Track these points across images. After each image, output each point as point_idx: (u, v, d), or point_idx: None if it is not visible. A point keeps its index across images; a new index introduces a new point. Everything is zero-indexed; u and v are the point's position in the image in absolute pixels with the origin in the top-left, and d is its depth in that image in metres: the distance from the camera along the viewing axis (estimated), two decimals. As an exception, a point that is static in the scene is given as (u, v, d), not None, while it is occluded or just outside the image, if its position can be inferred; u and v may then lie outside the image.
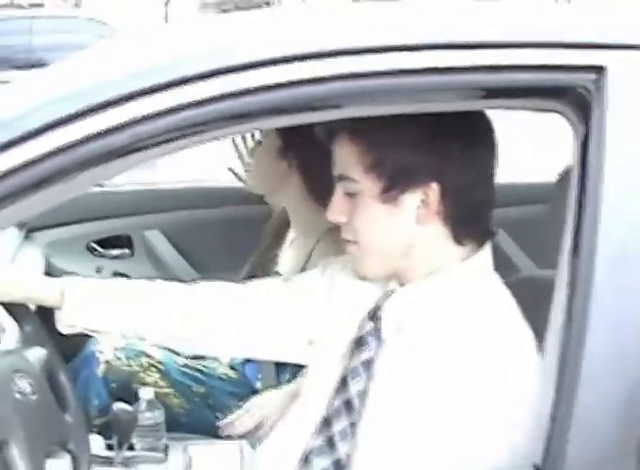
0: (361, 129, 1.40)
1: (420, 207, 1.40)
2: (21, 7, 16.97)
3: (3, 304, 1.74)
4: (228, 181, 2.91)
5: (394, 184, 1.39)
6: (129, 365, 2.40)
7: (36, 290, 1.72)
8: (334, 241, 2.09)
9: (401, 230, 1.42)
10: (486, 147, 1.44)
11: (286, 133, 2.32)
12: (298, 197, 2.37)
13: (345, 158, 1.44)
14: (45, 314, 1.78)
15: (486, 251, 1.46)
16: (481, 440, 1.30)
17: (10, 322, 1.78)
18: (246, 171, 2.46)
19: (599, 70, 1.18)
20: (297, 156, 2.35)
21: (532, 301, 1.39)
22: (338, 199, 1.47)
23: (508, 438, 1.28)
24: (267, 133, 2.37)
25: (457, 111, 1.32)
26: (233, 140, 2.87)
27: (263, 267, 2.49)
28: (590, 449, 1.15)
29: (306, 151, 2.33)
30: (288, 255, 2.46)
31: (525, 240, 3.01)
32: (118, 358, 2.39)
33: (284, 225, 2.51)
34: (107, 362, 2.38)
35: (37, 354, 1.63)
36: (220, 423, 2.23)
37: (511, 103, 1.28)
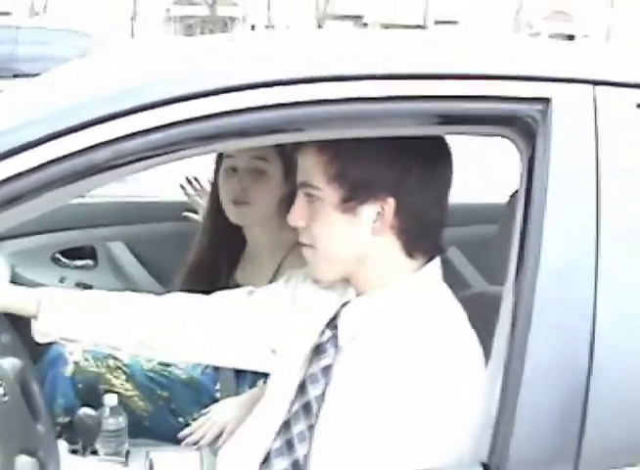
0: (328, 143, 1.47)
1: (376, 219, 1.48)
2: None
3: None
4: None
5: (354, 195, 1.47)
6: (97, 367, 2.42)
7: (13, 299, 1.78)
8: (301, 256, 2.17)
9: (356, 239, 1.50)
10: (443, 169, 1.53)
11: (286, 155, 2.33)
12: (268, 214, 2.40)
13: (310, 166, 1.51)
14: (19, 324, 1.83)
15: (435, 264, 1.55)
16: (431, 441, 1.38)
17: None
18: (237, 206, 2.38)
19: (545, 101, 1.28)
20: (294, 173, 2.37)
21: (483, 315, 1.47)
22: (299, 204, 1.54)
23: (456, 438, 1.35)
24: (265, 162, 2.36)
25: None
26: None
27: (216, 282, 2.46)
28: (532, 448, 1.24)
29: (294, 165, 2.39)
30: (249, 270, 2.48)
31: (477, 258, 3.10)
32: (86, 360, 2.41)
33: (234, 240, 2.52)
34: (75, 363, 2.40)
35: (11, 364, 1.67)
36: (181, 434, 2.27)
37: (464, 129, 1.38)
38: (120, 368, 2.44)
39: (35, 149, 1.18)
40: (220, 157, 2.43)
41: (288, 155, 2.35)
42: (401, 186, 1.47)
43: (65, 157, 1.18)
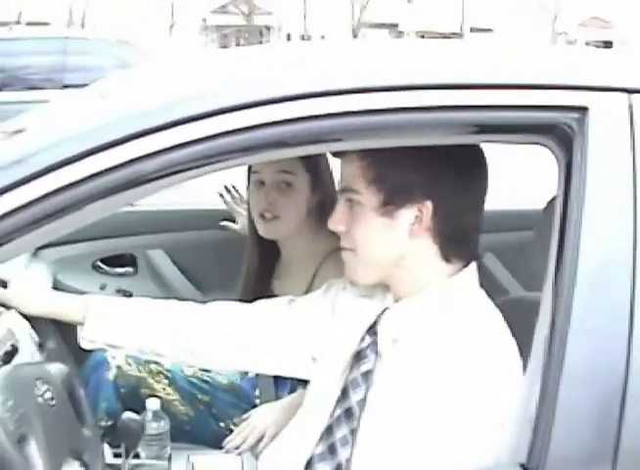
0: (369, 149, 1.50)
1: (413, 222, 1.52)
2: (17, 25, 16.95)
3: (28, 319, 1.83)
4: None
5: (392, 199, 1.51)
6: (139, 371, 2.45)
7: (60, 306, 1.84)
8: (336, 263, 2.19)
9: (395, 242, 1.54)
10: (479, 175, 1.57)
11: (312, 166, 2.36)
12: (298, 226, 2.41)
13: (351, 171, 1.55)
14: (64, 329, 1.87)
15: (472, 268, 1.58)
16: (471, 442, 1.40)
17: (32, 337, 1.87)
18: (266, 220, 2.39)
19: (582, 110, 1.30)
20: (320, 183, 2.40)
21: (520, 320, 1.49)
22: (340, 209, 1.58)
23: (495, 439, 1.37)
24: (291, 175, 2.36)
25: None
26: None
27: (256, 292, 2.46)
28: (571, 449, 1.26)
29: (320, 173, 2.41)
30: (285, 279, 2.50)
31: (514, 264, 3.11)
32: (129, 364, 2.44)
33: (269, 251, 2.53)
34: (118, 367, 2.44)
35: (58, 369, 1.70)
36: (224, 443, 2.30)
37: (502, 138, 1.40)
38: (162, 373, 2.47)
39: (82, 161, 1.21)
40: (250, 170, 2.45)
41: (314, 165, 2.38)
42: (438, 191, 1.51)
43: (111, 168, 1.21)
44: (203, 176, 1.27)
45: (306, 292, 2.27)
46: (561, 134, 1.31)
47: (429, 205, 1.50)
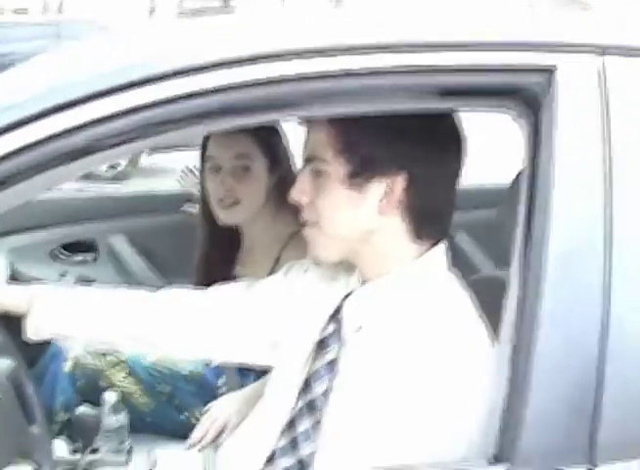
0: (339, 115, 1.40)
1: (382, 198, 1.41)
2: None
3: None
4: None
5: (362, 171, 1.41)
6: (97, 363, 2.40)
7: (5, 297, 1.75)
8: (299, 247, 2.11)
9: (361, 217, 1.43)
10: (455, 150, 1.47)
11: (269, 148, 2.33)
12: (258, 210, 2.37)
13: (319, 139, 1.45)
14: (10, 324, 1.78)
15: (441, 248, 1.48)
16: (438, 432, 1.31)
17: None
18: (225, 207, 2.34)
19: (549, 71, 1.21)
20: (279, 165, 2.36)
21: (492, 299, 1.42)
22: (303, 178, 1.48)
23: (465, 429, 1.30)
24: (248, 160, 2.32)
25: (426, 111, 1.35)
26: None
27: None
28: (544, 438, 1.18)
29: (278, 154, 2.37)
30: (248, 265, 2.45)
31: (485, 242, 3.06)
32: (86, 356, 2.39)
33: (228, 237, 2.47)
34: (74, 359, 2.38)
35: (3, 365, 1.63)
36: (188, 443, 2.22)
37: (464, 103, 1.31)
38: (121, 364, 2.41)
39: (24, 128, 1.13)
40: (203, 156, 2.40)
41: (271, 148, 2.34)
42: (411, 165, 1.41)
43: (52, 137, 1.13)
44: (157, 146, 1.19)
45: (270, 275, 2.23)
46: (527, 98, 1.23)
47: (400, 180, 1.41)
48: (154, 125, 1.17)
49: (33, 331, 1.75)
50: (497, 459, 1.18)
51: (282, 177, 2.34)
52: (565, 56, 1.23)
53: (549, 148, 1.19)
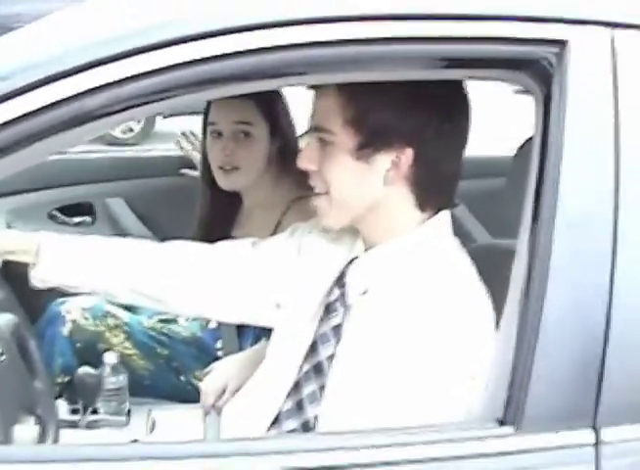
0: (349, 84, 1.40)
1: (390, 168, 1.42)
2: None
3: None
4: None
5: (370, 142, 1.41)
6: (95, 325, 2.40)
7: (11, 244, 1.72)
8: (299, 213, 2.11)
9: (368, 187, 1.44)
10: (462, 120, 1.48)
11: (271, 113, 2.33)
12: (259, 175, 2.37)
13: (326, 108, 1.45)
14: (12, 279, 1.78)
15: (445, 215, 1.50)
16: (442, 395, 1.34)
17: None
18: (225, 172, 2.35)
19: (561, 43, 1.21)
20: (280, 131, 2.37)
21: (489, 268, 1.44)
22: (310, 147, 1.48)
23: (469, 393, 1.32)
24: (249, 125, 2.33)
25: (438, 80, 1.35)
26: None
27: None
28: (550, 403, 1.20)
29: (279, 120, 2.37)
30: (247, 228, 2.44)
31: (481, 212, 3.06)
32: (85, 318, 2.39)
33: (228, 201, 2.48)
34: (73, 322, 2.39)
35: (7, 320, 1.64)
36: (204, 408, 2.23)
37: (474, 73, 1.32)
38: (120, 327, 2.42)
39: (26, 95, 1.12)
40: (205, 121, 2.40)
41: (273, 114, 2.34)
42: (419, 136, 1.42)
43: (56, 103, 1.12)
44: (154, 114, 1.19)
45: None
46: (538, 69, 1.22)
47: (408, 152, 1.41)
48: (162, 91, 1.17)
49: (40, 278, 1.72)
50: (502, 423, 1.20)
51: (284, 143, 2.35)
52: (576, 29, 1.23)
53: (560, 119, 1.19)
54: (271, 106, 2.34)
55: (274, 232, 2.24)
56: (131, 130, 8.77)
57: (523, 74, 1.25)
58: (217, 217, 2.49)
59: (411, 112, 1.41)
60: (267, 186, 2.38)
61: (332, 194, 1.47)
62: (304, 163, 1.49)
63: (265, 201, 2.40)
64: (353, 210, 1.48)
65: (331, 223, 1.53)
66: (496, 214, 2.61)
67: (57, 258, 1.72)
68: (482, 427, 1.21)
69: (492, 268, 1.42)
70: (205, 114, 2.39)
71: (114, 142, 8.47)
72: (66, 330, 2.38)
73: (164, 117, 8.50)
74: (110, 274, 1.76)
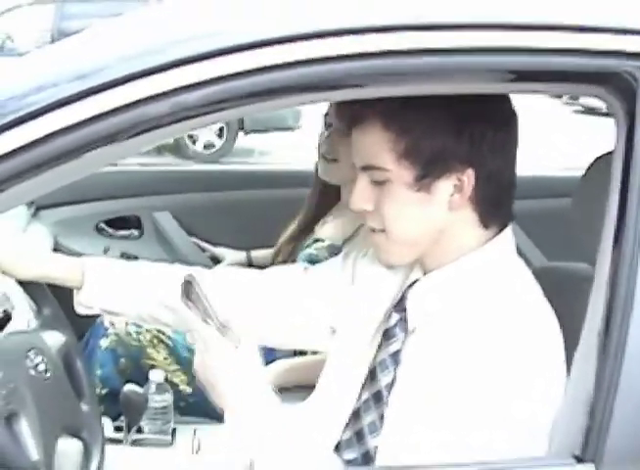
0: (394, 115, 1.34)
1: (453, 193, 1.36)
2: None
3: (22, 284, 1.71)
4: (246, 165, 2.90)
5: (429, 171, 1.35)
6: (138, 340, 2.39)
7: (57, 268, 1.69)
8: None
9: (433, 217, 1.38)
10: (513, 129, 1.41)
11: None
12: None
13: (374, 145, 1.38)
14: (60, 297, 1.74)
15: (508, 232, 1.43)
16: (512, 428, 1.25)
17: (28, 303, 1.75)
18: (326, 162, 2.37)
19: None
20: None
21: (551, 290, 1.37)
22: (362, 187, 1.41)
23: (542, 427, 1.25)
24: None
25: (486, 94, 1.30)
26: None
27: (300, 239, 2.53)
28: (632, 439, 1.13)
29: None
30: (330, 224, 2.47)
31: (536, 233, 2.99)
32: (128, 333, 2.38)
33: (326, 199, 2.53)
34: (116, 335, 2.38)
35: (55, 338, 1.60)
36: None
37: (554, 87, 1.26)
38: (163, 342, 2.40)
39: (81, 102, 1.08)
40: (327, 113, 2.43)
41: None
42: (477, 153, 1.35)
43: (113, 110, 1.08)
44: (215, 123, 1.14)
45: (347, 240, 2.30)
46: (621, 83, 1.16)
47: (469, 172, 1.35)
48: (224, 101, 1.13)
49: (85, 305, 1.71)
50: (580, 459, 1.13)
51: None
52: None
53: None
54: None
55: (355, 231, 2.29)
56: (213, 146, 8.80)
57: (603, 89, 1.18)
58: (318, 206, 2.56)
59: (464, 130, 1.34)
60: None
61: (392, 231, 1.40)
62: (359, 204, 1.42)
63: None
64: (417, 244, 1.41)
65: (393, 261, 1.47)
66: (553, 236, 2.56)
67: (102, 284, 1.69)
68: (559, 464, 1.13)
69: (553, 292, 1.36)
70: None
71: (193, 157, 8.55)
72: (108, 343, 2.37)
73: (246, 134, 8.57)
74: (156, 301, 1.72)
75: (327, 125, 2.38)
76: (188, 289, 1.39)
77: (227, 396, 1.37)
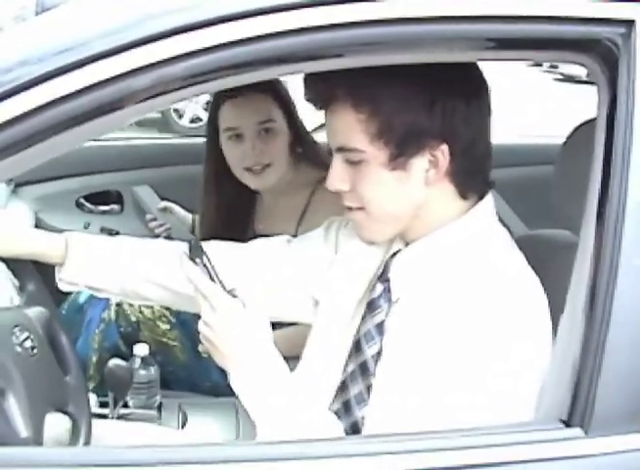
0: (364, 95, 1.33)
1: (429, 169, 1.36)
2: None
3: (5, 261, 1.70)
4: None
5: (404, 150, 1.34)
6: (141, 312, 2.41)
7: (39, 245, 1.69)
8: (326, 194, 2.08)
9: (410, 194, 1.38)
10: (485, 98, 1.40)
11: (285, 103, 2.35)
12: (286, 155, 2.35)
13: (346, 127, 1.37)
14: (42, 271, 1.73)
15: (488, 200, 1.43)
16: (498, 395, 1.26)
17: (11, 280, 1.74)
18: (256, 172, 2.32)
19: (629, 23, 1.14)
20: (294, 118, 2.38)
21: (532, 258, 1.38)
22: (338, 167, 1.40)
23: (527, 392, 1.25)
24: (271, 122, 2.32)
25: (454, 64, 1.29)
26: None
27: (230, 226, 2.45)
28: (620, 402, 1.14)
29: (292, 109, 2.37)
30: (270, 221, 2.42)
31: (516, 201, 3.00)
32: (131, 304, 2.39)
33: (246, 197, 2.48)
34: (118, 306, 2.39)
35: (39, 314, 1.59)
36: None
37: (536, 55, 1.26)
38: (165, 316, 2.41)
39: (65, 76, 1.07)
40: (216, 129, 2.37)
41: (287, 104, 2.34)
42: (450, 126, 1.34)
43: (96, 85, 1.07)
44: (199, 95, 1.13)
45: (298, 228, 2.26)
46: (604, 51, 1.16)
47: (444, 147, 1.34)
48: (209, 72, 1.12)
49: (67, 282, 1.70)
50: (568, 424, 1.14)
51: (296, 129, 2.37)
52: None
53: (628, 104, 1.13)
54: (284, 96, 2.34)
55: (301, 218, 2.29)
56: (200, 119, 8.71)
57: (585, 56, 1.18)
58: (238, 217, 2.48)
59: (436, 105, 1.33)
60: (289, 175, 2.36)
61: (371, 209, 1.40)
62: (335, 185, 1.42)
63: (289, 189, 2.36)
64: (397, 221, 1.41)
65: (374, 237, 1.47)
66: (533, 204, 2.56)
67: (84, 260, 1.68)
68: (546, 429, 1.14)
69: (534, 259, 1.37)
70: (212, 121, 2.38)
71: (179, 131, 8.46)
72: (110, 313, 2.38)
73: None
74: (139, 276, 1.71)
75: (235, 138, 2.32)
76: (194, 250, 1.38)
77: (232, 355, 1.36)
